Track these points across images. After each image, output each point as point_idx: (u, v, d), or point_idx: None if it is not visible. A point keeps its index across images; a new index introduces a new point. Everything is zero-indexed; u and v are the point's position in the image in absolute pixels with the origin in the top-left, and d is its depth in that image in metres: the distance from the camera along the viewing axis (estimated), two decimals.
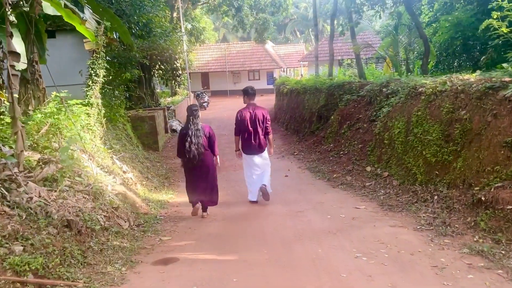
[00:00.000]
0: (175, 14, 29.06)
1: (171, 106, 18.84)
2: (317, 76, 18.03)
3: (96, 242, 4.57)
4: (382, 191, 6.85)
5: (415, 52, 16.03)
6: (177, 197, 7.99)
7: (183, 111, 24.24)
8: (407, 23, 15.32)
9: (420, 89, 7.00)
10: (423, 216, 5.33)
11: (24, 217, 4.12)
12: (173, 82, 19.74)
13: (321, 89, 12.80)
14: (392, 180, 6.99)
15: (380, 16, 17.53)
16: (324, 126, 12.04)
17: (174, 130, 17.30)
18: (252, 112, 6.87)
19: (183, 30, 24.66)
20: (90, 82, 7.80)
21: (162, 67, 18.75)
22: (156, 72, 19.39)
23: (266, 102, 27.37)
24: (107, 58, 10.98)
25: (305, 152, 11.32)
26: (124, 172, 7.57)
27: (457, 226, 4.82)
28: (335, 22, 18.68)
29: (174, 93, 31.30)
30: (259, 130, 6.88)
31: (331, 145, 10.37)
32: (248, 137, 6.86)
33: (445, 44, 15.57)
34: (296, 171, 9.72)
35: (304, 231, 5.29)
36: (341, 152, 9.43)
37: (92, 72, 7.81)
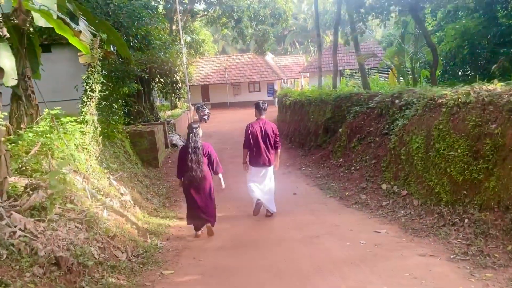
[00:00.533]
0: (174, 27, 28.82)
1: (171, 120, 18.36)
2: (320, 87, 17.60)
3: (89, 281, 4.01)
4: (402, 211, 6.30)
5: (421, 62, 15.62)
6: (179, 219, 7.43)
7: (184, 125, 23.79)
8: (413, 32, 14.94)
9: (440, 101, 6.50)
10: (455, 243, 4.78)
11: (4, 256, 3.57)
12: (173, 95, 19.28)
13: (327, 101, 12.33)
14: (412, 200, 6.44)
15: (385, 25, 17.16)
16: (332, 139, 11.53)
17: (174, 145, 16.78)
18: (262, 126, 6.95)
19: (182, 42, 24.32)
20: (85, 97, 7.30)
21: (162, 80, 18.33)
22: (156, 85, 18.98)
23: (266, 115, 26.93)
24: (104, 72, 10.54)
25: (312, 167, 10.79)
26: (121, 194, 7.03)
27: (497, 255, 4.27)
28: (339, 31, 18.26)
29: (174, 106, 30.86)
30: (268, 145, 6.96)
31: (341, 160, 9.84)
32: (257, 151, 6.91)
33: (451, 53, 15.17)
34: (304, 188, 9.18)
35: (323, 261, 4.73)
36: (352, 168, 8.89)
37: (87, 87, 7.32)
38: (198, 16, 33.66)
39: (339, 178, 9.04)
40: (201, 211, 6.18)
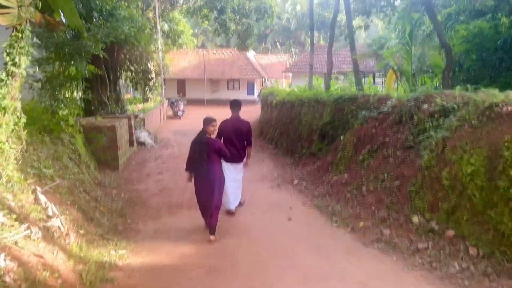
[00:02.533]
0: (151, 14, 26.34)
1: (139, 114, 16.05)
2: (311, 88, 15.70)
3: None
4: (455, 264, 4.41)
5: (426, 65, 13.94)
6: (133, 254, 5.31)
7: (155, 120, 21.49)
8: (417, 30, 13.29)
9: (509, 109, 4.64)
10: None
11: None
12: (144, 86, 16.95)
13: (325, 102, 10.41)
14: (467, 247, 4.56)
15: (389, 21, 15.46)
16: (330, 148, 9.61)
17: (141, 143, 14.52)
18: (234, 123, 7.10)
19: (158, 28, 21.98)
20: (4, 74, 5.06)
21: (132, 68, 16.03)
22: (124, 73, 16.63)
23: (246, 114, 24.87)
24: (50, 46, 8.27)
25: (307, 182, 8.82)
26: (49, 216, 4.84)
27: None
28: (336, 25, 16.42)
29: (146, 100, 28.38)
30: (239, 141, 7.11)
31: (345, 175, 7.92)
32: (228, 146, 6.85)
33: (459, 57, 13.61)
34: (301, 210, 7.20)
35: None
36: (364, 188, 6.97)
37: (8, 59, 5.08)
38: (178, 5, 31.25)
39: (345, 200, 7.10)
40: (209, 204, 6.02)
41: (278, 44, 63.95)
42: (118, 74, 15.26)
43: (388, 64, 18.69)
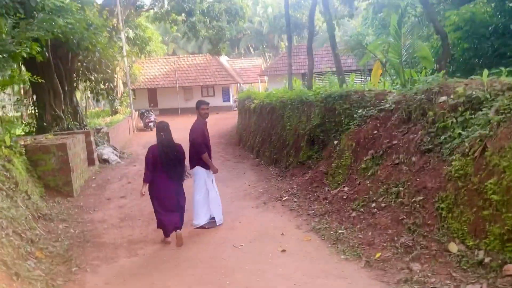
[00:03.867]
0: (114, 20, 24.55)
1: (102, 128, 14.35)
2: (292, 89, 14.36)
3: None
4: None
5: (412, 57, 12.76)
6: None
7: (122, 134, 19.60)
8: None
9: None
10: None
11: None
12: (107, 96, 15.26)
13: (312, 103, 9.04)
14: None
15: (373, 10, 14.32)
16: (322, 155, 8.24)
17: (105, 160, 12.83)
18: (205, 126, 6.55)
19: (122, 34, 20.28)
20: None
21: (92, 77, 14.33)
22: (83, 83, 14.93)
23: (223, 122, 23.36)
24: None
25: (299, 197, 7.38)
26: None
27: None
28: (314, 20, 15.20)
29: (114, 112, 26.59)
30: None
31: (345, 188, 6.53)
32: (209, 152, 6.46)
33: (451, 46, 12.54)
34: (296, 236, 5.75)
35: None
36: (374, 205, 5.57)
37: None
38: (143, 10, 29.57)
39: (350, 221, 5.69)
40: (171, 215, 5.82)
41: (251, 49, 62.85)
42: (75, 84, 13.56)
43: (372, 59, 17.60)
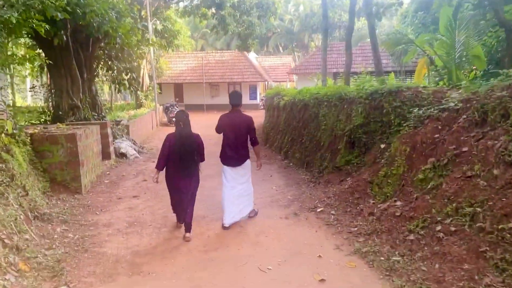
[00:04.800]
0: (143, 12, 23.89)
1: (122, 120, 13.55)
2: (324, 86, 13.21)
3: None
4: None
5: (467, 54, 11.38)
6: None
7: (144, 128, 18.86)
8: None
9: None
10: None
11: None
12: (128, 87, 14.44)
13: (353, 100, 7.87)
14: None
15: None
16: (364, 160, 7.08)
17: (123, 155, 12.00)
18: (234, 118, 5.97)
19: (150, 23, 19.53)
20: None
21: (113, 66, 13.54)
22: (103, 72, 14.19)
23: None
24: None
25: (337, 209, 6.24)
26: None
27: None
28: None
29: (139, 106, 26.03)
30: (240, 140, 5.94)
31: (397, 202, 5.35)
32: (227, 145, 5.98)
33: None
34: (336, 260, 4.62)
35: None
36: (439, 228, 4.38)
37: None
38: (173, 2, 28.92)
39: (406, 245, 4.53)
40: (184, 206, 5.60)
41: (280, 48, 61.74)
42: (95, 72, 12.78)
43: (415, 58, 16.16)
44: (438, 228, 4.37)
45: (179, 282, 4.18)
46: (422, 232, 4.52)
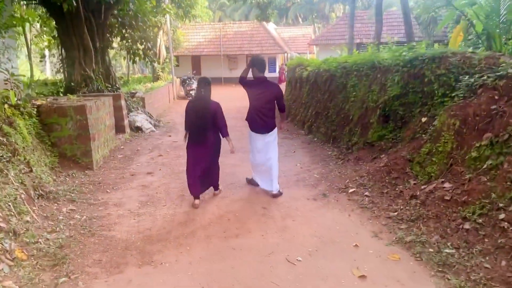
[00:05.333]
0: None
1: (137, 92, 12.99)
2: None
3: None
4: None
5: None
6: None
7: (161, 100, 18.31)
8: None
9: None
10: None
11: None
12: (143, 58, 13.80)
13: (388, 68, 7.06)
14: None
15: None
16: (400, 135, 6.35)
17: (138, 128, 11.50)
18: (260, 86, 5.73)
19: None
20: None
21: (127, 35, 12.88)
22: (116, 41, 13.56)
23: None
24: None
25: (372, 190, 5.56)
26: None
27: None
28: None
29: (156, 78, 25.50)
30: (267, 108, 5.73)
31: (445, 184, 4.64)
32: (254, 111, 5.77)
33: None
34: (377, 253, 3.99)
35: None
36: (503, 216, 3.68)
37: None
38: None
39: (461, 236, 3.86)
40: (202, 173, 5.48)
41: (300, 19, 59.83)
42: (108, 42, 12.16)
43: (449, 25, 15.04)
44: (502, 216, 3.67)
45: (196, 276, 3.63)
46: (480, 220, 3.83)
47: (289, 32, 38.74)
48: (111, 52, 21.64)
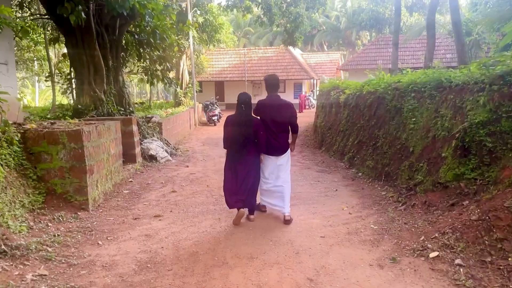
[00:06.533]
0: (184, 4, 22.21)
1: (153, 117, 11.70)
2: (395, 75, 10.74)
3: None
4: None
5: None
6: None
7: (179, 127, 16.72)
8: None
9: None
10: None
11: None
12: (162, 80, 12.59)
13: (464, 88, 5.47)
14: None
15: None
16: (491, 174, 4.67)
17: (152, 157, 10.11)
18: (273, 104, 5.52)
19: (189, 11, 17.76)
20: None
21: (146, 54, 11.73)
22: (132, 62, 12.43)
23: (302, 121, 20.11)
24: None
25: (464, 254, 3.86)
26: None
27: None
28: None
29: (178, 104, 24.48)
30: (280, 128, 5.50)
31: None
32: (267, 132, 5.46)
33: None
34: None
35: None
36: None
37: None
38: None
39: None
40: (239, 190, 5.28)
41: (325, 46, 58.94)
42: (122, 59, 10.99)
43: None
44: None
45: None
46: None
47: (315, 58, 37.60)
48: (134, 78, 20.78)
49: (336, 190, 7.16)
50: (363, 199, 6.43)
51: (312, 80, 33.94)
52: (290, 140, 5.71)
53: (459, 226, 4.26)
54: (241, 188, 5.25)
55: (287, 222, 5.35)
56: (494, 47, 15.01)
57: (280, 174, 5.53)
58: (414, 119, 6.55)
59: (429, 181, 5.64)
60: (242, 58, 33.44)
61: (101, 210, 6.00)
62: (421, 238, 4.43)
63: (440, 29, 31.50)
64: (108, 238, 4.89)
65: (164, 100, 36.38)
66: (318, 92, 18.15)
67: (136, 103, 25.63)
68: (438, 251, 4.07)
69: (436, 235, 4.36)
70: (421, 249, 4.20)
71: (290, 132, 5.66)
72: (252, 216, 5.48)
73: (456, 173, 5.20)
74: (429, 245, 4.21)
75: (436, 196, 5.32)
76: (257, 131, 5.29)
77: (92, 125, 6.43)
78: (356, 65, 26.39)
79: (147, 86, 30.14)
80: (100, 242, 4.73)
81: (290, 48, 30.82)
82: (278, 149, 5.49)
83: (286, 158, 5.59)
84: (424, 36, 28.12)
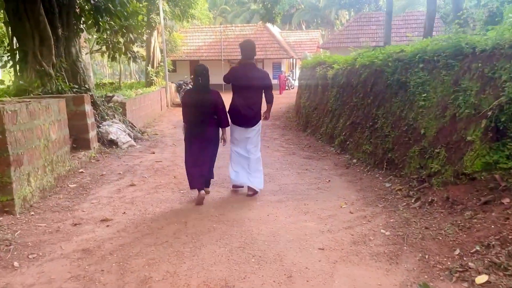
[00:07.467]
0: None
1: (114, 96, 10.20)
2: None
3: None
4: None
5: None
6: None
7: (148, 108, 14.62)
8: None
9: None
10: None
11: None
12: (124, 53, 11.04)
13: (494, 54, 4.30)
14: None
15: None
16: None
17: (112, 142, 8.70)
18: (247, 71, 5.24)
19: None
20: None
21: (104, 23, 10.16)
22: (92, 31, 10.83)
23: (274, 101, 18.87)
24: None
25: (502, 273, 2.75)
26: None
27: None
28: None
29: (150, 83, 22.88)
30: (254, 97, 5.25)
31: None
32: (238, 102, 5.23)
33: None
34: None
35: None
36: None
37: None
38: None
39: None
40: (200, 165, 5.09)
41: (303, 25, 57.50)
42: (75, 28, 9.39)
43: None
44: None
45: None
46: None
47: (294, 37, 36.17)
48: (100, 56, 18.85)
49: (329, 181, 5.98)
50: (364, 192, 5.27)
51: (291, 59, 32.61)
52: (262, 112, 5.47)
53: (510, 237, 3.13)
54: (199, 160, 5.08)
55: (249, 195, 5.23)
56: (480, 23, 14.16)
57: (248, 146, 5.28)
58: (425, 94, 5.39)
59: (449, 171, 4.51)
60: (218, 36, 31.78)
61: (32, 213, 4.64)
62: (456, 252, 3.29)
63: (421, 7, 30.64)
64: (30, 256, 3.57)
65: (136, 80, 34.47)
66: (300, 70, 16.88)
67: (105, 84, 23.83)
68: (486, 273, 2.93)
69: (478, 248, 3.22)
70: (460, 269, 3.05)
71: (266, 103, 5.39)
72: (207, 189, 5.40)
73: (487, 162, 4.07)
74: (471, 264, 3.07)
75: (460, 191, 4.19)
76: (217, 105, 5.03)
77: (22, 103, 4.99)
78: (338, 43, 25.19)
79: (119, 66, 28.26)
80: (16, 264, 3.41)
81: (269, 25, 29.37)
82: (249, 120, 5.22)
83: (255, 131, 5.32)
84: (407, 13, 27.17)
